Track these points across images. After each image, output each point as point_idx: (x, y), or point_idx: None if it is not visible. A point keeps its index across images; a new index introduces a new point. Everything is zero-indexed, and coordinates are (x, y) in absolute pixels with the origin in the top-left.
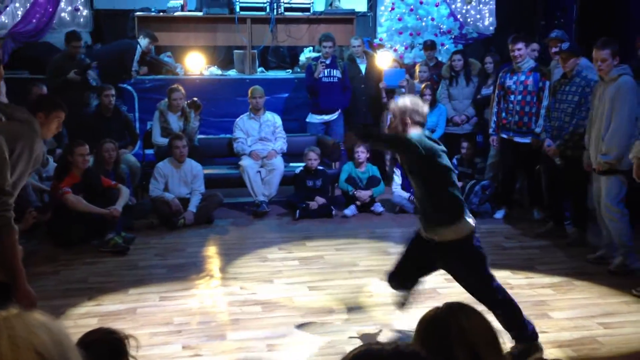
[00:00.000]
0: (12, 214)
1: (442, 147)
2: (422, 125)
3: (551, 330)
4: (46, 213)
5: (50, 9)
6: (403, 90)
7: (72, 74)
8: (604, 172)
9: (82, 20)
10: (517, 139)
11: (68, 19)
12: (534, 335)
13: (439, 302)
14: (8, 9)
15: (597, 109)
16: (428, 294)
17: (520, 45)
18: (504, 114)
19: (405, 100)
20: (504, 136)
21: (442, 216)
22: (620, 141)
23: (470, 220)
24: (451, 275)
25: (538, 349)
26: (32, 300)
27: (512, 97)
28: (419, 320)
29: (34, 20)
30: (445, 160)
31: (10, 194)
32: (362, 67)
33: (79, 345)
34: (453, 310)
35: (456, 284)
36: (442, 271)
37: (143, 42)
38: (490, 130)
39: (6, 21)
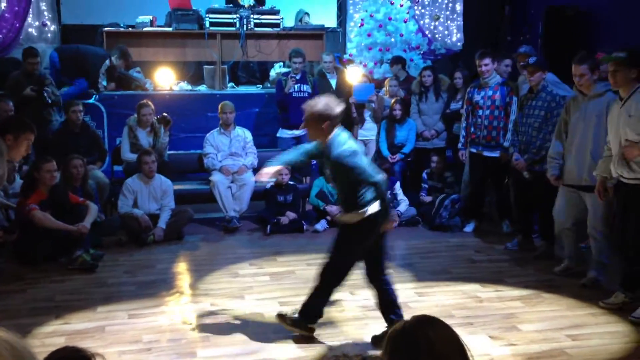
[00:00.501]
0: None
1: (356, 148)
2: (338, 124)
3: (520, 343)
4: (13, 233)
5: (17, 25)
6: (373, 104)
7: (28, 90)
8: (592, 189)
9: (49, 35)
10: (486, 153)
11: (35, 34)
12: (314, 320)
13: (409, 316)
14: None
15: (577, 124)
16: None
17: (487, 60)
18: (472, 129)
19: (317, 105)
20: (473, 150)
21: (347, 206)
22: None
23: (367, 212)
24: None
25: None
26: None
27: (480, 112)
28: (388, 334)
29: (1, 36)
30: (358, 159)
31: None
32: (333, 82)
33: None
34: (421, 323)
35: (428, 298)
36: (413, 285)
37: (115, 59)
38: (460, 145)
39: None
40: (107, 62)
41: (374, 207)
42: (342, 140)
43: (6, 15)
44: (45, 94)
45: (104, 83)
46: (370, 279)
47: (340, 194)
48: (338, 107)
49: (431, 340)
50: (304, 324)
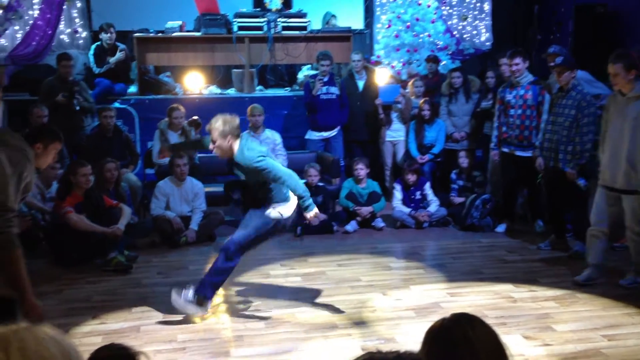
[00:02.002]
0: (16, 230)
1: (264, 151)
2: (238, 136)
3: (555, 343)
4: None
5: (49, 32)
6: (399, 105)
7: (60, 96)
8: (628, 192)
9: (81, 42)
10: (518, 153)
11: (67, 40)
12: (207, 299)
13: (441, 317)
14: (7, 32)
15: (614, 124)
16: (431, 308)
17: (518, 60)
18: (504, 128)
19: (218, 123)
20: (505, 150)
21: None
22: None
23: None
24: None
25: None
26: (39, 314)
27: (512, 111)
28: (426, 331)
29: (34, 43)
30: (265, 163)
31: (13, 210)
32: (360, 84)
33: None
34: (460, 321)
35: (460, 299)
36: (445, 285)
37: (105, 36)
38: (492, 145)
39: (6, 44)
40: (94, 46)
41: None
42: (251, 146)
43: (39, 22)
44: (75, 101)
45: (95, 70)
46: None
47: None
48: (235, 120)
49: (470, 338)
50: (199, 298)
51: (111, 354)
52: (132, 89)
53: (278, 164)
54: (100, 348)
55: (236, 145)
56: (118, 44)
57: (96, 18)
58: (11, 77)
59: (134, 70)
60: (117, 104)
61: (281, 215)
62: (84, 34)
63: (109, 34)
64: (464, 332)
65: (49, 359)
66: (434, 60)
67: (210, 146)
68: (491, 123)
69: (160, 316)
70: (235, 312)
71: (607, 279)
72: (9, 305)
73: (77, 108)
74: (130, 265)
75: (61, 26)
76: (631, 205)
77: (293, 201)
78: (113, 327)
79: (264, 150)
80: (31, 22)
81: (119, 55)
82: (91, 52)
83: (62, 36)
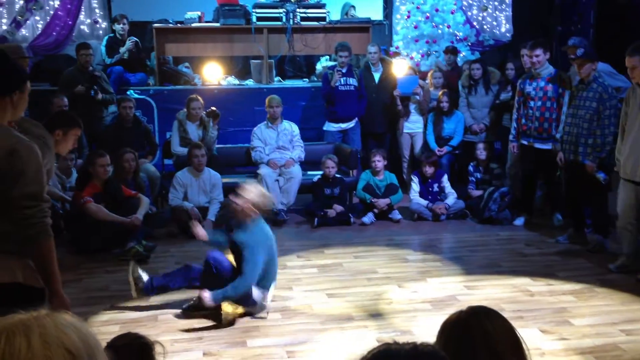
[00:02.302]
0: (50, 220)
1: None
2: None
3: (572, 337)
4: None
5: (70, 22)
6: (417, 97)
7: (79, 87)
8: None
9: (101, 32)
10: (538, 145)
11: (87, 31)
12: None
13: (458, 309)
14: (28, 22)
15: (634, 117)
16: (447, 301)
17: (539, 51)
18: (524, 120)
19: (255, 192)
20: (524, 142)
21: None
22: None
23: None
24: None
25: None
26: (67, 307)
27: (531, 103)
28: (442, 323)
29: (54, 33)
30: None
31: (47, 200)
32: (376, 76)
33: (108, 348)
34: (477, 314)
35: (477, 292)
36: (462, 278)
37: (118, 27)
38: (511, 137)
39: (27, 34)
40: (106, 37)
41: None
42: (258, 238)
43: (59, 13)
44: (93, 92)
45: (107, 60)
46: None
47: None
48: (269, 201)
49: (486, 330)
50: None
51: (128, 342)
52: (150, 79)
53: (257, 264)
54: (117, 336)
55: (251, 223)
56: (130, 38)
57: (116, 8)
58: (32, 67)
59: (152, 61)
60: (133, 94)
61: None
62: (104, 25)
63: (121, 25)
64: (480, 324)
65: (69, 345)
66: (452, 51)
67: (236, 203)
68: (510, 115)
69: (177, 306)
70: None
71: (627, 274)
72: (36, 294)
73: (100, 97)
74: (148, 255)
75: (81, 16)
76: None
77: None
78: (130, 316)
79: (260, 244)
80: (52, 12)
81: (128, 44)
82: (103, 43)
83: (82, 26)
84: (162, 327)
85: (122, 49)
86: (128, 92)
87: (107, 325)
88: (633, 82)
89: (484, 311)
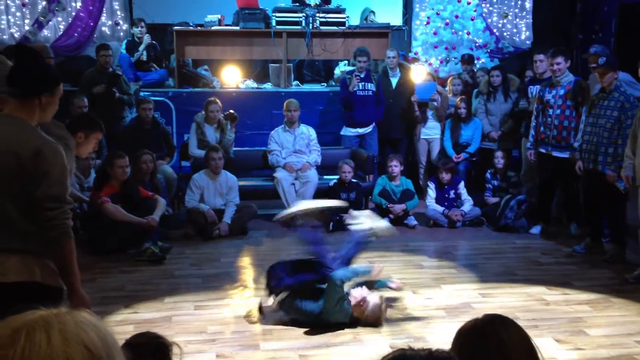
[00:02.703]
0: (71, 222)
1: None
2: None
3: (588, 348)
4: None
5: (92, 24)
6: (435, 103)
7: (98, 87)
8: None
9: (121, 34)
10: (556, 154)
11: (108, 33)
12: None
13: (472, 317)
14: (50, 23)
15: None
16: (462, 308)
17: (560, 59)
18: (542, 128)
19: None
20: (542, 150)
21: None
22: None
23: None
24: None
25: None
26: (87, 305)
27: (550, 111)
28: (458, 331)
29: (76, 35)
30: None
31: (70, 202)
32: (394, 82)
33: (126, 346)
34: (492, 321)
35: (491, 299)
36: (476, 286)
37: (136, 30)
38: (529, 145)
39: (49, 35)
40: (125, 41)
41: None
42: None
43: (81, 14)
44: (114, 91)
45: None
46: None
47: None
48: None
49: (501, 339)
50: None
51: (147, 341)
52: (170, 81)
53: None
54: (135, 335)
55: None
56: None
57: (137, 11)
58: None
59: (172, 63)
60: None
61: None
62: (124, 27)
63: (139, 28)
64: (496, 332)
65: (88, 343)
66: (468, 61)
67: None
68: (527, 123)
69: (191, 307)
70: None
71: None
72: (54, 294)
73: (119, 95)
74: (164, 256)
75: (103, 18)
76: None
77: None
78: (145, 316)
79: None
80: (74, 13)
81: (146, 40)
82: (123, 46)
83: (103, 28)
84: (176, 328)
85: (141, 47)
86: (143, 94)
87: (122, 325)
88: None
89: (500, 319)
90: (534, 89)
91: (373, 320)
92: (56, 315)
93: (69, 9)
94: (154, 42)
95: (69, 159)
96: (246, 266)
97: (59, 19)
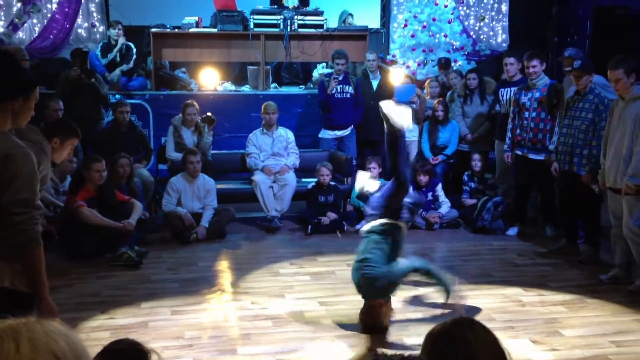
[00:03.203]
0: (40, 228)
1: None
2: None
3: (563, 348)
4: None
5: (67, 26)
6: (414, 105)
7: (72, 71)
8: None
9: (98, 36)
10: (532, 156)
11: (84, 35)
12: None
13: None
14: (26, 25)
15: (617, 127)
16: (440, 311)
17: (535, 62)
18: (518, 131)
19: None
20: (519, 153)
21: None
22: None
23: None
24: None
25: None
26: (54, 314)
27: (526, 113)
28: (427, 334)
29: (51, 37)
30: None
31: (39, 207)
32: (374, 84)
33: (104, 353)
34: (460, 324)
35: (468, 301)
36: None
37: (112, 32)
38: (505, 147)
39: (24, 37)
40: (101, 43)
41: None
42: None
43: (57, 16)
44: (84, 76)
45: (102, 61)
46: None
47: None
48: None
49: (469, 342)
50: None
51: (125, 348)
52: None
53: None
54: (114, 341)
55: None
56: (121, 39)
57: (114, 13)
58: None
59: (149, 66)
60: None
61: None
62: (101, 29)
63: (116, 30)
64: (462, 335)
65: (57, 351)
66: (445, 65)
67: None
68: (500, 125)
69: (168, 312)
70: (242, 310)
71: (617, 284)
72: (23, 300)
73: (92, 81)
74: (141, 261)
75: (79, 20)
76: (629, 204)
77: None
78: (121, 322)
79: None
80: (49, 15)
81: (120, 42)
82: (98, 48)
83: (79, 30)
84: (153, 333)
85: (115, 49)
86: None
87: (98, 331)
88: (617, 95)
89: (468, 322)
90: (504, 92)
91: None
92: (25, 324)
93: (45, 10)
94: (129, 43)
95: (45, 164)
96: (224, 270)
97: (34, 20)
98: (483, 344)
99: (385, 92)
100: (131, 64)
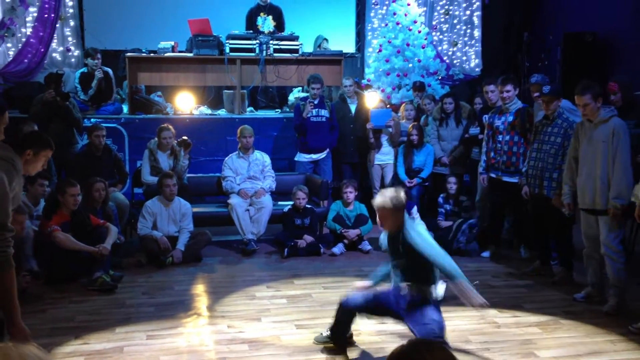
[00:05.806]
0: (12, 250)
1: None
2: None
3: None
4: (40, 278)
5: (42, 49)
6: (390, 129)
7: (47, 94)
8: (605, 213)
9: (73, 60)
10: (506, 179)
11: (59, 59)
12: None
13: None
14: (0, 48)
15: (587, 149)
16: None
17: (510, 87)
18: (492, 154)
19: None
20: (493, 175)
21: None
22: (629, 183)
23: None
24: None
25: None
26: (26, 337)
27: (500, 137)
28: (387, 357)
29: (26, 60)
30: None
31: (11, 230)
32: (353, 107)
33: None
34: (417, 346)
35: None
36: None
37: (91, 62)
38: (480, 169)
39: None
40: (78, 73)
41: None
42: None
43: (31, 40)
44: (63, 93)
45: (82, 96)
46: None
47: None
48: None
49: None
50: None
51: None
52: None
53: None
54: None
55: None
56: (99, 69)
57: (89, 37)
58: (1, 94)
59: (125, 90)
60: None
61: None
62: (76, 53)
63: (95, 60)
64: (421, 356)
65: None
66: (420, 88)
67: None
68: (479, 149)
69: (144, 337)
70: (219, 333)
71: (591, 305)
72: None
73: (69, 100)
74: (115, 285)
75: (54, 44)
76: (607, 224)
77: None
78: (96, 347)
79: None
80: (24, 39)
81: (97, 75)
82: (76, 79)
83: (54, 54)
84: (128, 358)
85: (93, 83)
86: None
87: (72, 357)
88: (583, 118)
89: (425, 343)
90: (487, 118)
91: None
92: (1, 348)
93: (19, 34)
94: (109, 72)
95: (17, 182)
96: (200, 294)
97: (9, 44)
98: None
99: (362, 115)
100: (112, 98)
